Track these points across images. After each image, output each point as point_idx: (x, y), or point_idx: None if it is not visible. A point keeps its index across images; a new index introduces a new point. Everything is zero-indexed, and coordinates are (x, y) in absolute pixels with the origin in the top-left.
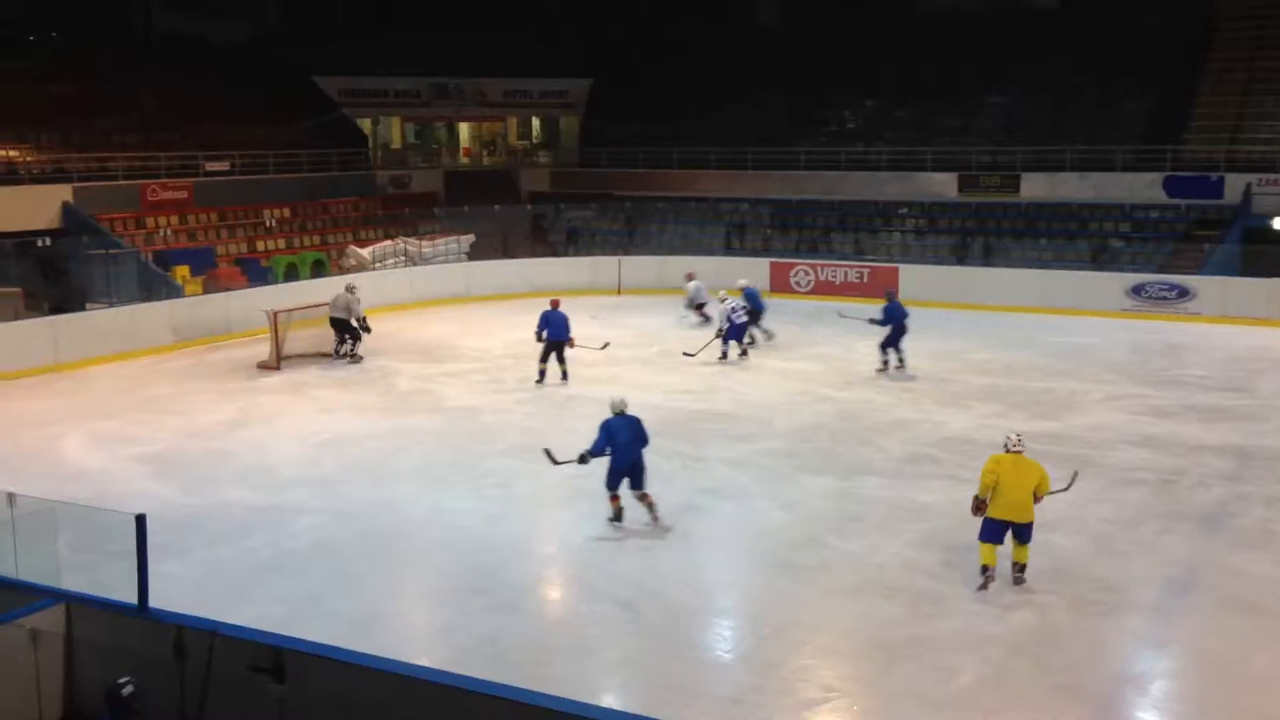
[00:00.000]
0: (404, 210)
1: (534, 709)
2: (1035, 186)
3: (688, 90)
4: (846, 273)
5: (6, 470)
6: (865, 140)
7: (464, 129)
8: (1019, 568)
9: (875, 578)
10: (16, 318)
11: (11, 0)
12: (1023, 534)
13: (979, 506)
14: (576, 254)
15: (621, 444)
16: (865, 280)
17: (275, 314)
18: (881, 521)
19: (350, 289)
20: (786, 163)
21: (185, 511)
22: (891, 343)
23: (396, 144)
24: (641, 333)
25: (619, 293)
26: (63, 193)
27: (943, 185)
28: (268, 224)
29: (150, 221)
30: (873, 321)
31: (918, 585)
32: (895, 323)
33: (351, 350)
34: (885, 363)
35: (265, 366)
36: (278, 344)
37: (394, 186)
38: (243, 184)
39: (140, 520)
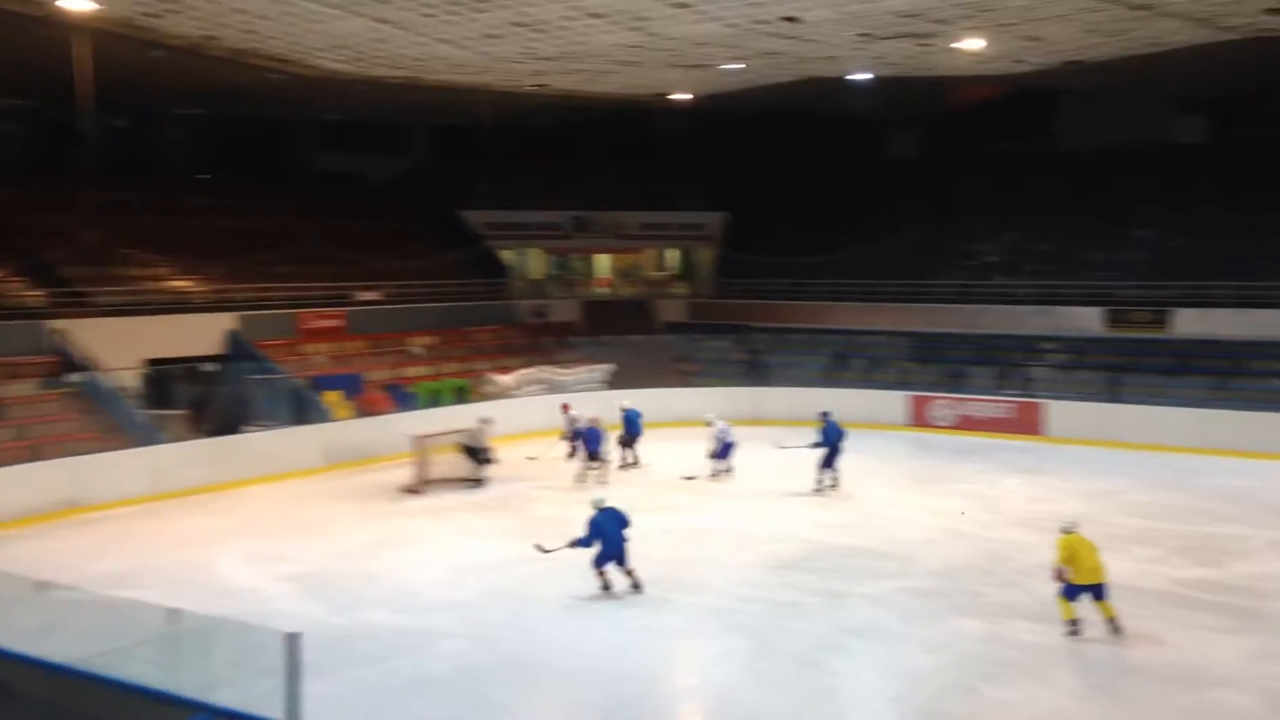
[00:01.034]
0: (543, 339)
1: None
2: (1188, 322)
3: (823, 222)
4: (990, 408)
5: (167, 585)
6: (1005, 273)
7: (602, 260)
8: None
9: None
10: (179, 439)
11: (187, 142)
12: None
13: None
14: (712, 384)
15: (609, 534)
16: (1010, 416)
17: (419, 439)
18: (1034, 669)
19: (484, 421)
20: (925, 295)
21: (331, 631)
22: (828, 463)
23: (537, 274)
24: (779, 466)
25: (757, 424)
26: (227, 321)
27: (1087, 320)
28: (414, 351)
29: (305, 348)
30: (814, 445)
31: None
32: (831, 443)
33: (478, 477)
34: (820, 483)
35: (409, 490)
36: (421, 468)
37: (534, 316)
38: (391, 313)
39: (292, 639)
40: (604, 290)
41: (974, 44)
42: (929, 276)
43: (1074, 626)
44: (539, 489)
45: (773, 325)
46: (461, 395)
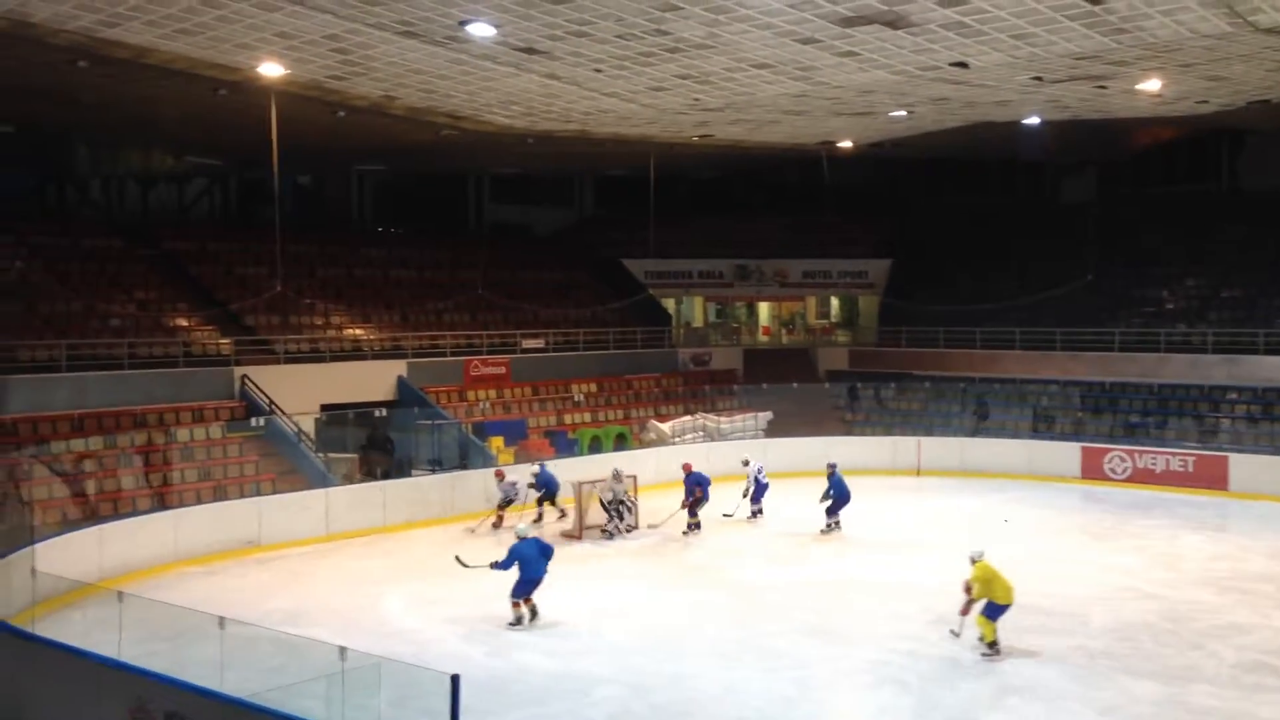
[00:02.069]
0: (704, 386)
1: None
2: None
3: (991, 269)
4: (1169, 460)
5: (336, 624)
6: (1188, 321)
7: (764, 308)
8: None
9: None
10: (350, 482)
11: (366, 197)
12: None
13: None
14: (875, 433)
15: (530, 562)
16: (1190, 470)
17: (579, 485)
18: None
19: (617, 474)
20: (1098, 344)
21: (490, 674)
22: (835, 509)
23: (698, 322)
24: (942, 516)
25: (918, 473)
26: (398, 368)
27: (1277, 370)
28: (575, 398)
29: (471, 395)
30: (827, 498)
31: None
32: (840, 498)
33: (618, 525)
34: (829, 526)
35: (568, 536)
36: (580, 514)
37: (695, 363)
38: (555, 360)
39: (454, 681)
40: (765, 338)
41: (1153, 85)
42: (1104, 324)
43: (995, 648)
44: (693, 537)
45: (937, 374)
46: (622, 442)
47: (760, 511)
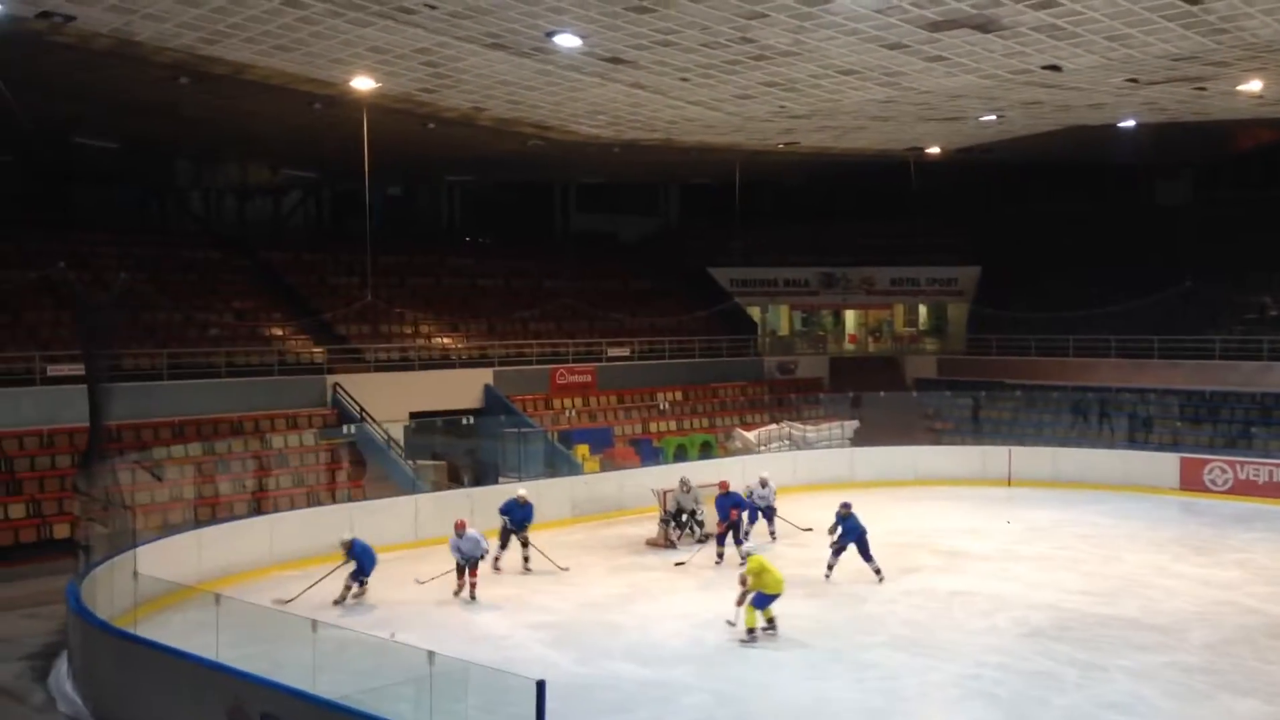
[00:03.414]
0: (789, 395)
1: None
2: None
3: (1085, 275)
4: (1273, 471)
5: (424, 628)
6: None
7: (850, 316)
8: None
9: None
10: (439, 489)
11: (454, 207)
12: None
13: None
14: (965, 443)
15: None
16: None
17: (664, 494)
18: None
19: (684, 483)
20: (1198, 352)
21: (576, 681)
22: (842, 550)
23: (784, 331)
24: (1034, 527)
25: (1009, 484)
26: (485, 376)
27: None
28: (661, 406)
29: (557, 403)
30: (833, 542)
31: None
32: (848, 539)
33: (678, 534)
34: (830, 569)
35: (654, 544)
36: (664, 524)
37: (780, 372)
38: (640, 368)
39: (540, 686)
40: (852, 346)
41: (1254, 86)
42: (1203, 331)
43: (753, 635)
44: (782, 547)
45: (1028, 382)
46: (707, 450)
47: (773, 534)
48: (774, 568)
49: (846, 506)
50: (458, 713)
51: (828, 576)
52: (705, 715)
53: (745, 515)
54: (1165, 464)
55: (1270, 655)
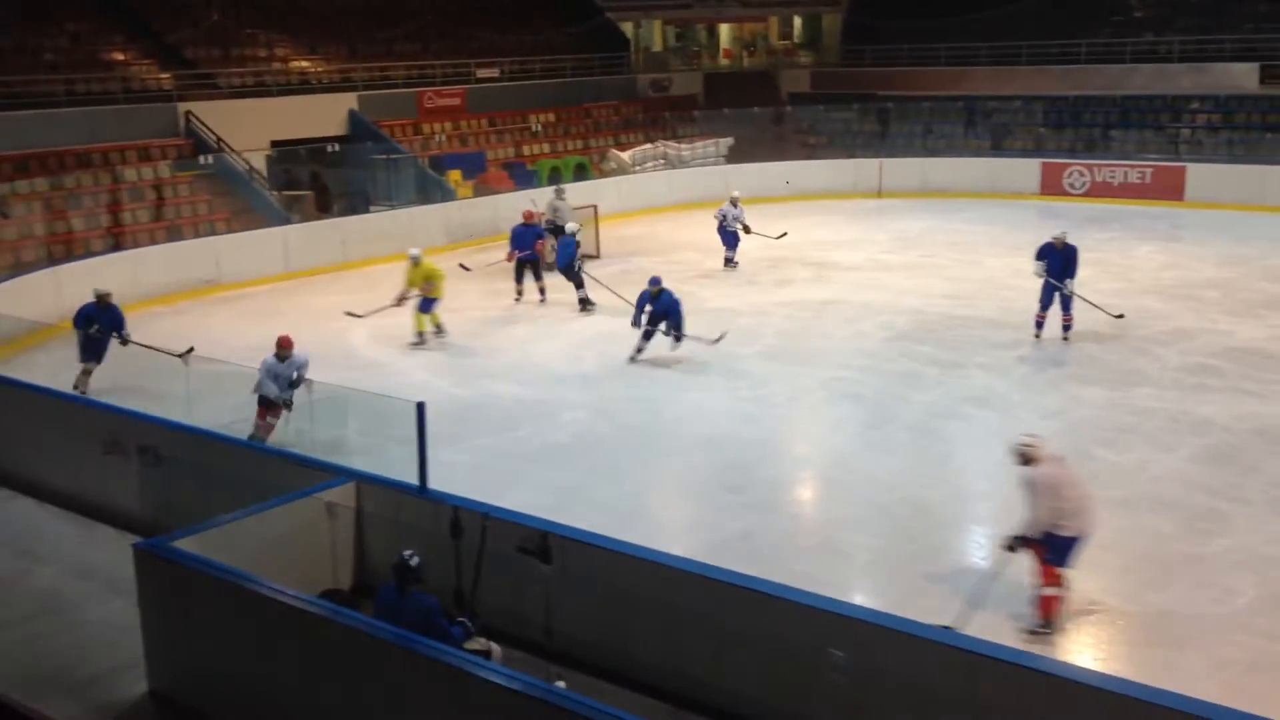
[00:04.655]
0: (664, 114)
1: (785, 602)
2: None
3: None
4: (1126, 173)
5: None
6: (1154, 30)
7: (725, 30)
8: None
9: (1147, 492)
10: (308, 219)
11: None
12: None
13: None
14: (837, 155)
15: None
16: (1147, 180)
17: (538, 215)
18: (1155, 434)
19: (559, 192)
20: (1065, 57)
21: (458, 403)
22: (650, 334)
23: (658, 47)
24: (902, 237)
25: (879, 195)
26: (349, 101)
27: (1243, 76)
28: (533, 129)
29: (426, 128)
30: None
31: (1194, 501)
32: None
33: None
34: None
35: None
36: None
37: (654, 90)
38: (511, 90)
39: (420, 408)
40: (726, 62)
41: None
42: (1069, 35)
43: (422, 338)
44: (660, 264)
45: (901, 94)
46: (582, 172)
47: (731, 261)
48: (440, 272)
49: (656, 283)
50: (339, 438)
51: (633, 359)
52: (585, 429)
53: (550, 245)
54: (1027, 169)
55: (1113, 347)
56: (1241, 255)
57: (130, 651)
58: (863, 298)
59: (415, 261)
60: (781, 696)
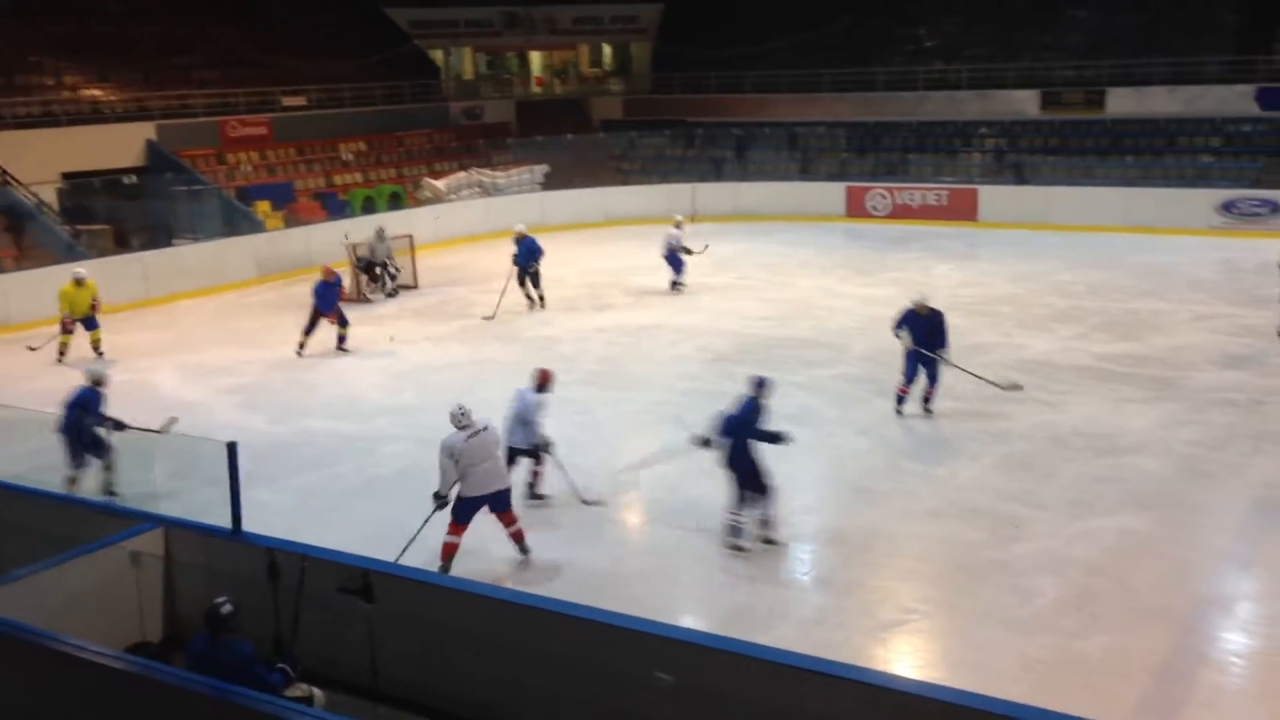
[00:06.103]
0: (477, 141)
1: (614, 629)
2: (1121, 102)
3: (760, 13)
4: (924, 195)
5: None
6: (944, 59)
7: (535, 58)
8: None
9: (955, 501)
10: (105, 254)
11: None
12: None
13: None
14: (651, 181)
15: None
16: (944, 202)
17: (354, 247)
18: (960, 445)
19: (380, 232)
20: (862, 84)
21: (274, 441)
22: (524, 282)
23: (468, 74)
24: (717, 260)
25: (694, 220)
26: (146, 130)
27: (1024, 103)
28: (344, 158)
29: (231, 157)
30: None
31: (998, 508)
32: (523, 264)
33: (386, 285)
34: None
35: (345, 299)
36: (356, 276)
37: (467, 118)
38: (319, 119)
39: (231, 447)
40: (538, 90)
41: None
42: (866, 64)
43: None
44: (478, 293)
45: (709, 120)
46: (396, 201)
47: (679, 284)
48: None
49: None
50: (148, 483)
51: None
52: (409, 462)
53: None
54: (833, 193)
55: None
56: (1031, 272)
57: None
58: (681, 321)
59: (79, 282)
60: None
